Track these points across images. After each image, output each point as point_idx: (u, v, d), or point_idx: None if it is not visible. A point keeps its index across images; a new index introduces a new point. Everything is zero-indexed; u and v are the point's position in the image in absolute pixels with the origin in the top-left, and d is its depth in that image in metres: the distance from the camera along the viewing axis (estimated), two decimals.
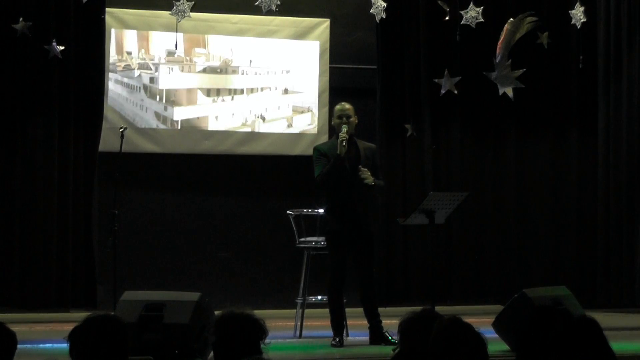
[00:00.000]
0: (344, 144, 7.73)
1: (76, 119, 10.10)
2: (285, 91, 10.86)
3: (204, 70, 10.67)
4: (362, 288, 7.84)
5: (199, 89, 10.71)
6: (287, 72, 10.88)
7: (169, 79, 10.67)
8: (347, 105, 7.97)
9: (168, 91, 10.66)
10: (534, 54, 10.58)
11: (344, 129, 7.79)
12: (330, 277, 7.84)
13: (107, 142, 9.97)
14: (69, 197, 10.00)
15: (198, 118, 10.65)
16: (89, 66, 10.13)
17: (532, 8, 10.14)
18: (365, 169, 7.76)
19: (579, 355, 3.48)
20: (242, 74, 10.82)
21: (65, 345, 3.73)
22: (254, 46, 10.76)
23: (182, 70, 10.69)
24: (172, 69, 10.70)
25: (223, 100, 10.76)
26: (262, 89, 10.84)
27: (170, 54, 10.62)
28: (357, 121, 7.98)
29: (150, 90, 10.59)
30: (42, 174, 9.92)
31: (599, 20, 10.93)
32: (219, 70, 10.75)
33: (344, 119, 7.86)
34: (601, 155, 10.96)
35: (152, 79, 10.64)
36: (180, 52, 10.50)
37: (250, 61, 10.78)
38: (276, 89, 10.87)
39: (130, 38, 10.53)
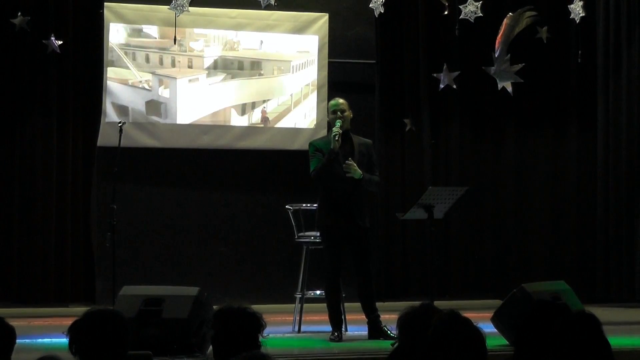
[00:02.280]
0: (337, 138, 7.74)
1: (75, 113, 10.10)
2: (310, 86, 10.77)
3: (215, 66, 10.38)
4: (359, 283, 7.84)
5: (233, 107, 10.52)
6: (307, 63, 10.68)
7: (189, 102, 10.25)
8: (341, 100, 7.98)
9: (197, 126, 10.37)
10: (533, 49, 10.57)
11: (338, 123, 7.80)
12: (325, 272, 7.85)
13: (106, 137, 9.95)
14: (67, 192, 10.00)
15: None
16: (87, 61, 10.13)
17: (531, 2, 10.12)
18: (351, 163, 7.76)
19: (577, 350, 3.48)
20: (264, 73, 10.50)
21: (64, 340, 3.73)
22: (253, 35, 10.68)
23: (211, 75, 10.23)
24: (196, 79, 10.08)
25: (261, 118, 10.51)
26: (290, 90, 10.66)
27: (134, 32, 10.13)
28: (351, 116, 7.98)
29: (142, 129, 10.20)
30: (41, 169, 9.91)
31: (598, 15, 10.93)
32: (236, 66, 10.52)
33: (338, 113, 7.88)
34: (600, 150, 10.97)
35: (155, 106, 10.20)
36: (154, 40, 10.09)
37: (261, 42, 10.63)
38: (309, 86, 10.70)
39: None
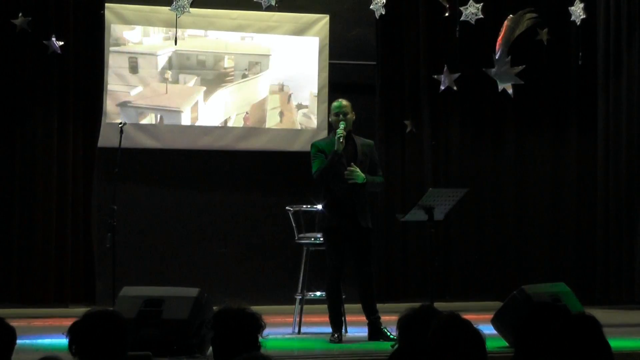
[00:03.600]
0: (341, 140, 7.75)
1: (75, 114, 10.09)
2: (281, 88, 10.77)
3: (170, 65, 10.21)
4: (360, 284, 7.84)
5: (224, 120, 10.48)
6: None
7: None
8: (344, 102, 7.98)
9: (198, 127, 10.38)
10: (533, 51, 10.58)
11: (342, 125, 7.81)
12: (327, 273, 7.85)
13: (106, 138, 9.95)
14: (68, 193, 10.00)
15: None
16: (88, 62, 10.12)
17: (532, 4, 10.12)
18: (353, 169, 7.76)
19: (577, 352, 3.48)
20: (248, 73, 10.44)
21: (64, 341, 3.73)
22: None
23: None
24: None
25: (243, 123, 10.51)
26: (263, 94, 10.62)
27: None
28: (354, 117, 8.00)
29: None
30: (41, 170, 9.91)
31: (598, 17, 10.93)
32: (195, 63, 10.40)
33: (341, 115, 7.88)
34: (600, 152, 10.97)
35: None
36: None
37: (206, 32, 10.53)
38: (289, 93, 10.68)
39: None
